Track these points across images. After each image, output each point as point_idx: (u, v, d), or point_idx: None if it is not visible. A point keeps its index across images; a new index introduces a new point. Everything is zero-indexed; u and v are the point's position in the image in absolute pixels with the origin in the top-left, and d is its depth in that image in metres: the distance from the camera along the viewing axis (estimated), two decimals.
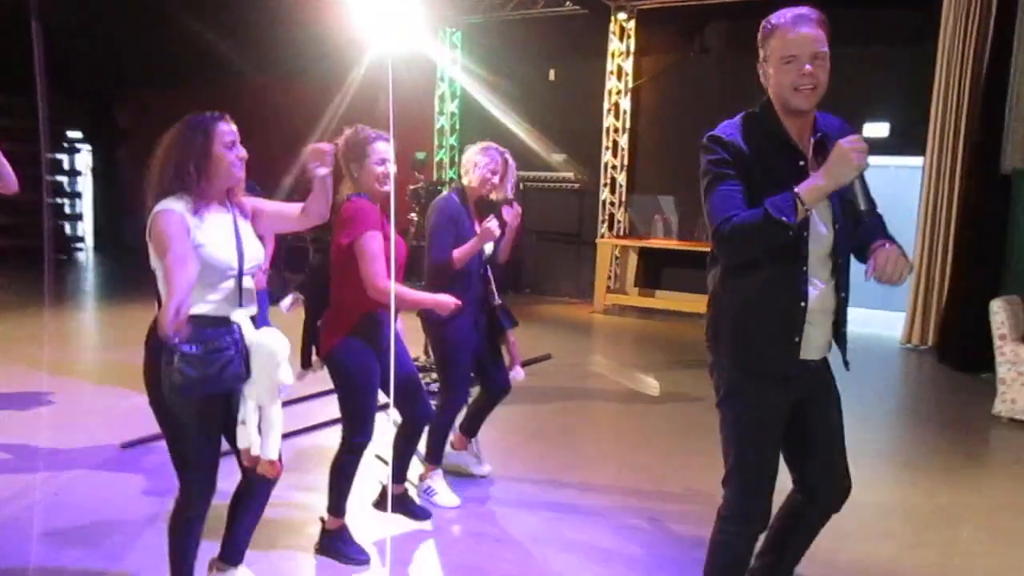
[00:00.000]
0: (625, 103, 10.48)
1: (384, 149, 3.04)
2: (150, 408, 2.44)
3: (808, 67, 2.17)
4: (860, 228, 2.27)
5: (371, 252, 2.94)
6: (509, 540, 3.41)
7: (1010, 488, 4.29)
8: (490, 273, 3.80)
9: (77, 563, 3.05)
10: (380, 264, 2.93)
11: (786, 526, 2.54)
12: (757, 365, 2.29)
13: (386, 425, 3.51)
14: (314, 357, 3.27)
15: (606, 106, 10.52)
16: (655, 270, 10.49)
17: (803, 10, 2.23)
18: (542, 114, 10.74)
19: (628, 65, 10.40)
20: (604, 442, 4.93)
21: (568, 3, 10.04)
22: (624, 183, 10.62)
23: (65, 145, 15.30)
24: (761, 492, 2.34)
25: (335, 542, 3.15)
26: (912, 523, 3.75)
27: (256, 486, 2.61)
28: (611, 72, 10.45)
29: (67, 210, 15.59)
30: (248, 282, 2.47)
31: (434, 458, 3.79)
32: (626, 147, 10.56)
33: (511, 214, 3.70)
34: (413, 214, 9.79)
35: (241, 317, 2.42)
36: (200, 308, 2.32)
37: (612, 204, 10.65)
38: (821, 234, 2.26)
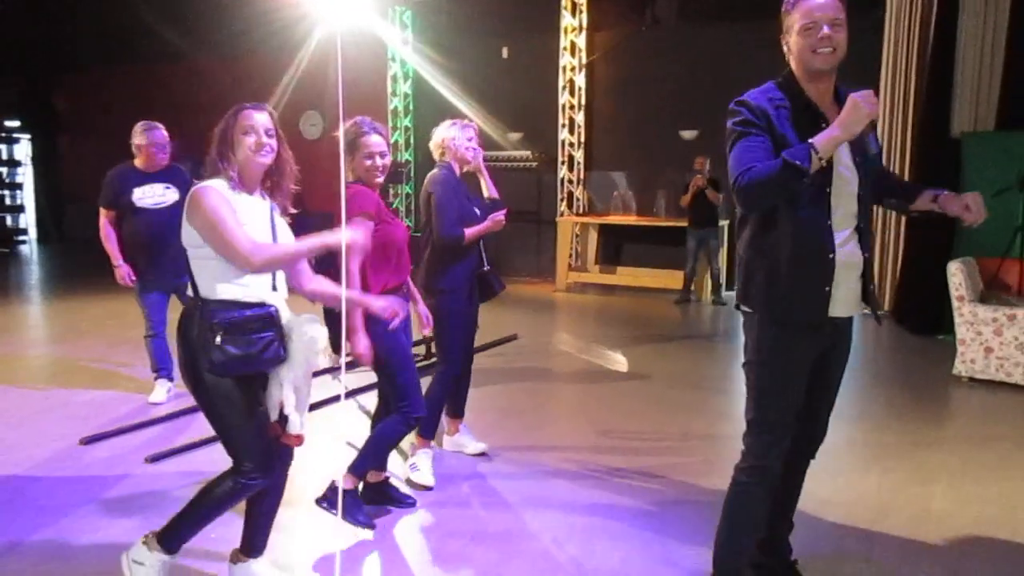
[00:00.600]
0: (580, 79, 10.42)
1: (376, 142, 3.15)
2: (195, 401, 2.52)
3: (826, 29, 2.31)
4: (881, 185, 2.54)
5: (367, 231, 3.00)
6: (494, 517, 3.37)
7: (978, 446, 4.37)
8: (481, 242, 3.87)
9: (42, 561, 2.91)
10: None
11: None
12: (790, 315, 2.40)
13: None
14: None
15: (561, 83, 10.44)
16: (615, 247, 10.51)
17: None
18: (497, 93, 10.64)
19: (581, 41, 10.34)
20: (577, 419, 4.90)
21: None
22: (582, 160, 10.58)
23: (2, 135, 14.73)
24: (778, 447, 2.47)
25: (346, 501, 3.17)
26: (886, 485, 3.79)
27: (275, 474, 2.64)
28: (564, 48, 10.37)
29: (7, 201, 15.06)
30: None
31: (426, 431, 3.80)
32: (582, 124, 10.51)
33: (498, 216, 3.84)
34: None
35: (277, 300, 2.53)
36: (235, 290, 2.44)
37: (570, 182, 10.61)
38: (847, 189, 2.38)
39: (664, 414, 4.92)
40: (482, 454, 4.10)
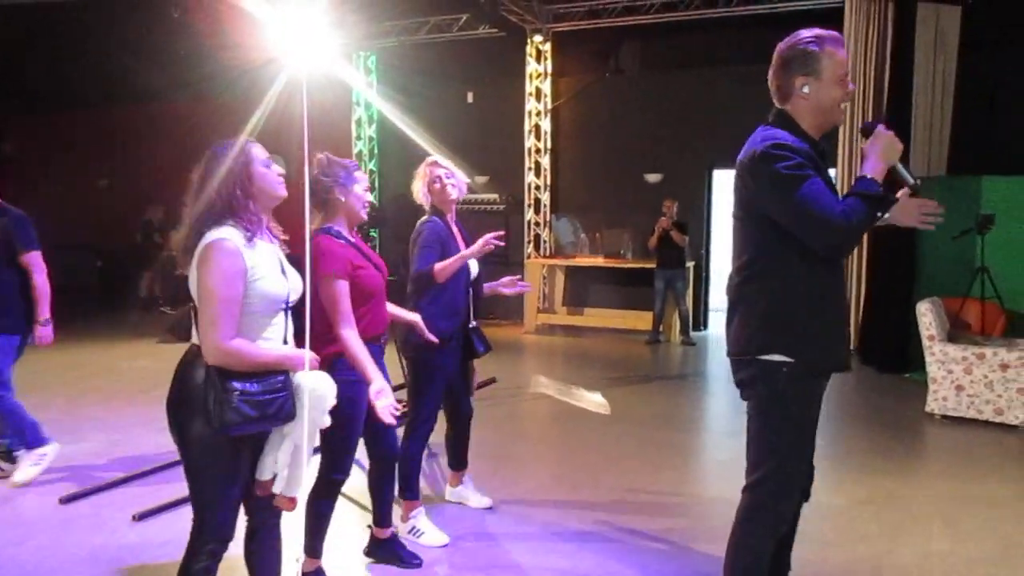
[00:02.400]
0: (545, 124, 10.58)
1: (365, 177, 3.09)
2: (179, 453, 2.34)
3: (852, 86, 2.36)
4: None
5: (331, 297, 2.85)
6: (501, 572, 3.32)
7: (965, 484, 4.49)
8: (470, 297, 3.72)
9: None
10: (339, 310, 2.85)
11: None
12: (827, 361, 2.40)
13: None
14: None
15: (527, 127, 10.59)
16: (582, 288, 10.60)
17: (836, 33, 2.39)
18: (462, 137, 10.68)
19: (546, 86, 10.52)
20: (570, 464, 4.88)
21: (484, 26, 10.07)
22: (548, 203, 10.70)
23: None
24: (793, 494, 2.46)
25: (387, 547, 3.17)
26: (884, 525, 3.85)
27: (263, 529, 2.51)
28: (530, 93, 10.54)
29: None
30: (288, 317, 2.44)
31: (411, 492, 3.64)
32: (548, 167, 10.65)
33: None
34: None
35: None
36: (256, 342, 2.30)
37: (537, 224, 10.71)
38: None
39: (658, 458, 4.93)
40: (488, 508, 4.01)
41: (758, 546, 2.47)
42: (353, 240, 3.03)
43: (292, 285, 2.41)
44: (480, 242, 3.46)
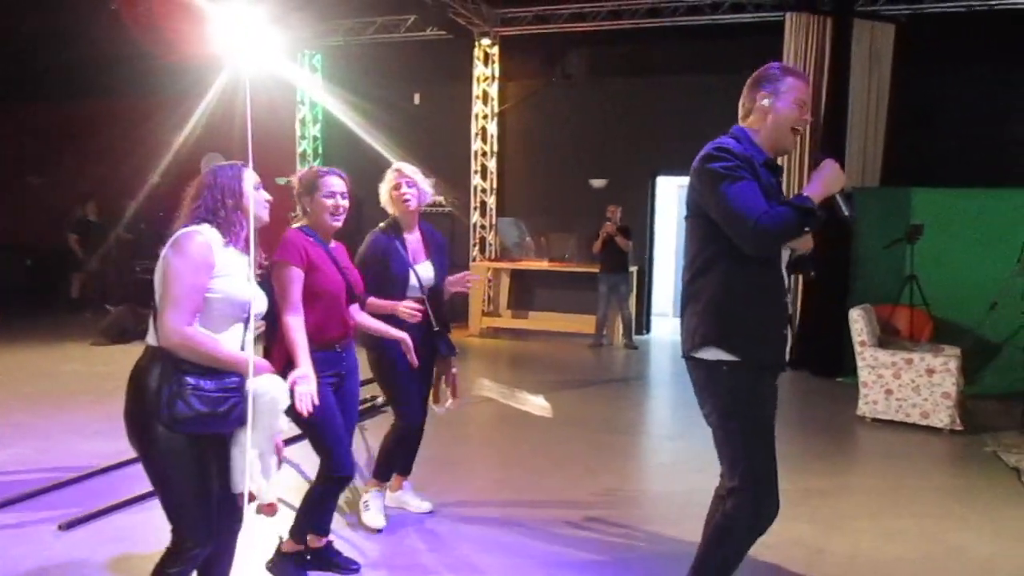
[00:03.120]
0: (492, 127, 10.60)
1: (337, 183, 3.13)
2: (141, 464, 2.33)
3: (808, 116, 2.50)
4: None
5: (281, 282, 2.95)
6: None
7: (892, 485, 4.64)
8: (426, 301, 3.69)
9: None
10: (287, 295, 2.93)
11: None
12: (768, 358, 2.49)
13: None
14: None
15: (473, 130, 10.59)
16: (527, 292, 10.64)
17: (802, 72, 2.63)
18: (409, 138, 10.62)
19: (493, 90, 10.54)
20: (512, 468, 4.89)
21: (431, 28, 10.05)
22: (494, 206, 10.72)
23: None
24: (773, 490, 2.54)
25: (288, 565, 3.16)
26: (816, 526, 3.96)
27: (223, 540, 2.51)
28: (477, 97, 10.55)
29: None
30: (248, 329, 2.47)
31: (381, 474, 3.83)
32: (495, 171, 10.67)
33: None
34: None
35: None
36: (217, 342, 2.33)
37: (483, 227, 10.72)
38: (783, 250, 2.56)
39: (599, 459, 4.98)
40: (428, 512, 4.01)
41: (739, 544, 2.59)
42: (325, 244, 3.11)
43: (258, 301, 2.47)
44: (400, 307, 3.47)
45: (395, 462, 3.89)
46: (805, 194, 2.38)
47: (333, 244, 3.21)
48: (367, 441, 5.27)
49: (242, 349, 2.42)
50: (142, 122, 11.16)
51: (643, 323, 10.29)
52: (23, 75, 12.02)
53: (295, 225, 3.13)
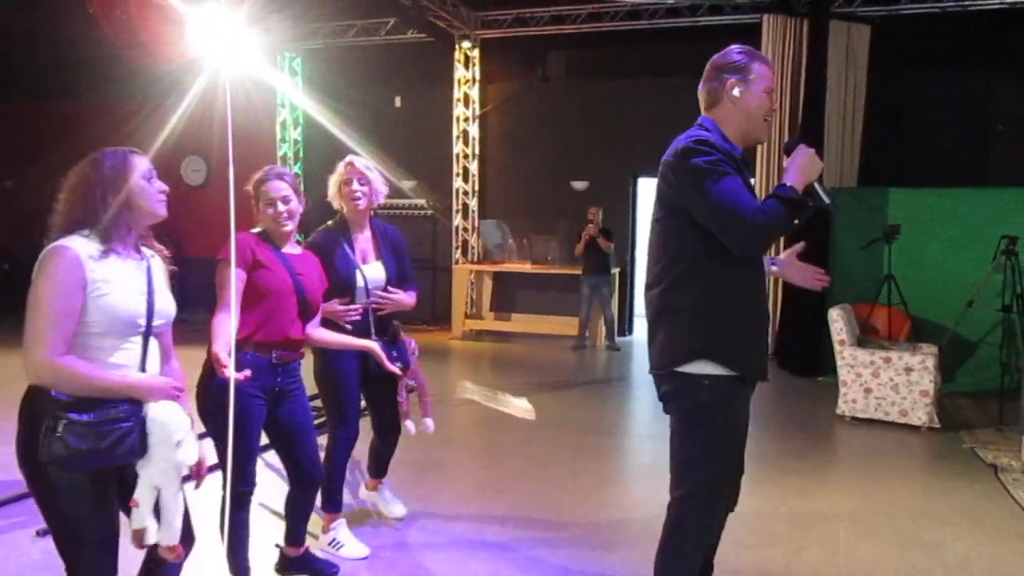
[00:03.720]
0: (473, 130, 10.60)
1: (276, 187, 2.95)
2: (33, 496, 2.08)
3: (776, 105, 2.40)
4: None
5: (219, 280, 2.80)
6: None
7: (871, 482, 4.68)
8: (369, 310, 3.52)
9: None
10: (220, 294, 2.77)
11: None
12: (750, 366, 2.38)
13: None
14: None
15: (455, 132, 10.59)
16: (510, 294, 10.64)
17: (762, 54, 2.52)
18: (390, 141, 10.61)
19: (474, 92, 10.54)
20: (493, 470, 4.90)
21: (412, 31, 10.03)
22: (476, 209, 10.71)
23: None
24: (720, 505, 2.45)
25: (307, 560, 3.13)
26: (794, 525, 3.99)
27: (162, 568, 2.28)
28: (458, 99, 10.55)
29: None
30: (153, 343, 2.19)
31: (333, 504, 3.56)
32: (476, 173, 10.67)
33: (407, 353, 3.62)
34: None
35: None
36: (100, 367, 2.05)
37: (465, 230, 10.72)
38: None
39: (581, 461, 4.99)
40: (399, 519, 3.92)
41: (687, 556, 2.45)
42: (277, 248, 2.95)
43: (160, 307, 2.17)
44: (328, 308, 3.27)
45: (340, 486, 3.59)
46: (786, 183, 2.25)
47: (299, 251, 3.08)
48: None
49: (143, 369, 2.15)
50: (120, 125, 11.02)
51: (625, 325, 10.33)
52: None
53: (255, 229, 3.00)
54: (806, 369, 7.73)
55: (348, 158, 3.54)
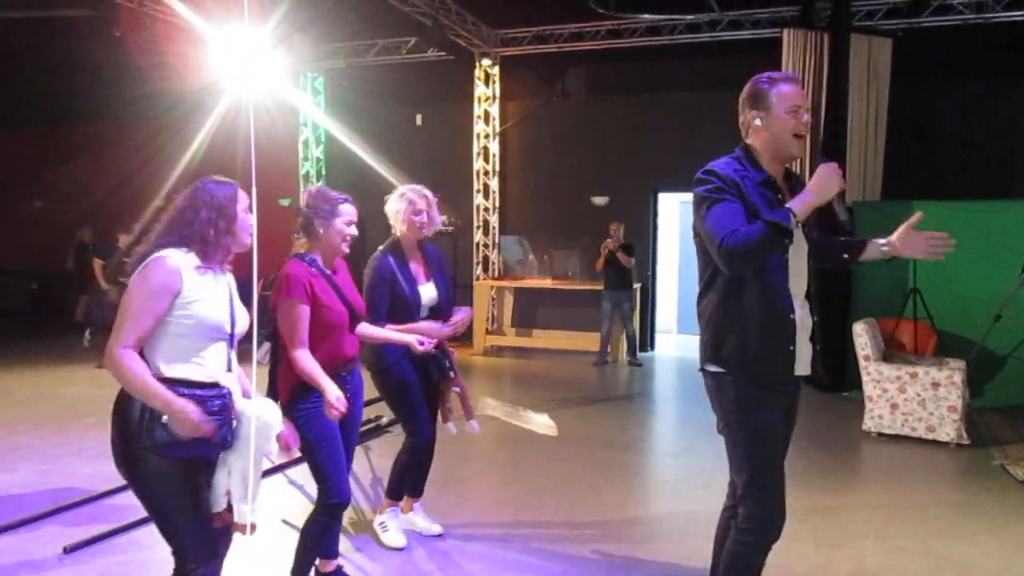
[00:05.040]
0: (493, 146, 10.66)
1: (352, 211, 3.09)
2: (132, 491, 2.31)
3: (806, 117, 2.47)
4: (827, 248, 2.75)
5: (289, 320, 2.92)
6: None
7: (898, 500, 4.61)
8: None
9: None
10: (295, 333, 2.91)
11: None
12: (763, 375, 2.49)
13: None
14: None
15: (475, 149, 10.65)
16: (531, 310, 10.65)
17: (789, 73, 2.58)
18: (411, 158, 10.71)
19: (495, 109, 10.61)
20: (516, 486, 4.88)
21: (432, 50, 10.13)
22: (497, 225, 10.75)
23: None
24: (777, 502, 2.54)
25: None
26: (821, 543, 3.94)
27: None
28: (478, 116, 10.62)
29: None
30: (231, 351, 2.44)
31: (393, 493, 3.87)
32: (497, 189, 10.72)
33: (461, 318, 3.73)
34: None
35: (231, 382, 2.40)
36: (190, 369, 2.29)
37: (486, 246, 10.75)
38: (798, 262, 2.54)
39: (603, 478, 4.96)
40: (438, 535, 3.97)
41: (747, 554, 2.58)
42: (327, 272, 3.04)
43: (240, 319, 2.43)
44: (414, 341, 3.39)
45: (407, 481, 3.90)
46: (790, 205, 2.37)
47: (335, 262, 3.17)
48: (371, 462, 5.27)
49: (228, 370, 2.39)
50: (145, 145, 11.26)
51: (647, 340, 10.28)
52: (25, 100, 12.14)
53: (295, 251, 3.09)
54: (831, 384, 7.65)
55: (416, 187, 3.76)
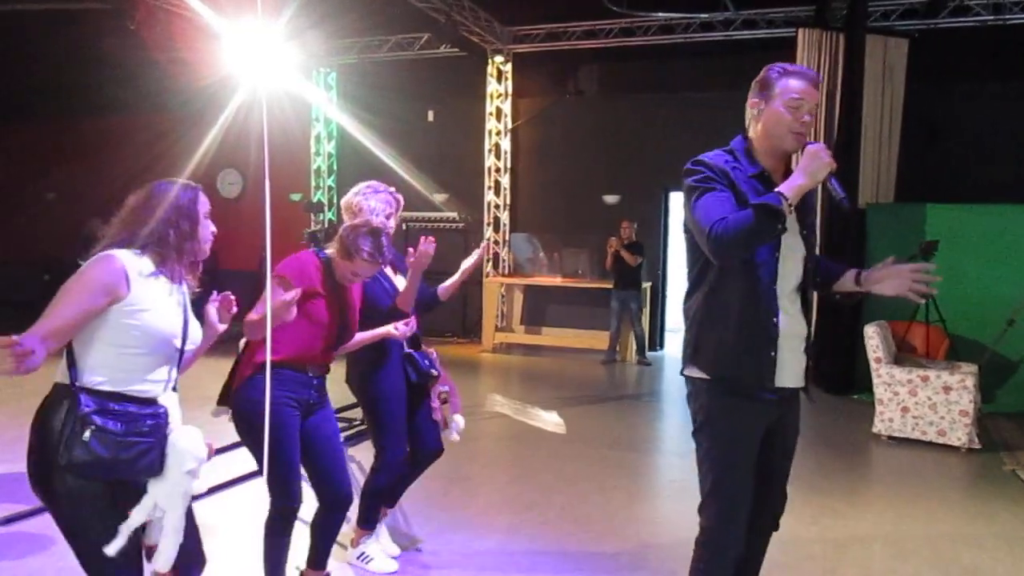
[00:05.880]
0: (505, 143, 10.65)
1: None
2: (49, 511, 2.07)
3: (807, 117, 2.34)
4: (821, 268, 2.55)
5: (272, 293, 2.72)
6: None
7: (908, 503, 4.59)
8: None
9: None
10: (256, 308, 2.69)
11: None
12: (737, 381, 2.37)
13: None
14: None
15: (487, 146, 10.64)
16: (540, 307, 10.64)
17: (807, 69, 2.42)
18: (423, 154, 10.72)
19: (507, 106, 10.60)
20: (522, 484, 4.87)
21: (445, 46, 10.13)
22: (507, 222, 10.74)
23: None
24: (737, 518, 2.41)
25: None
26: (828, 546, 3.92)
27: None
28: (490, 113, 10.61)
29: None
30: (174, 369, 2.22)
31: (367, 521, 3.52)
32: (508, 186, 10.71)
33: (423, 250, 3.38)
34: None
35: (171, 402, 2.19)
36: (130, 383, 2.09)
37: (496, 243, 10.74)
38: (791, 264, 2.41)
39: (610, 476, 4.95)
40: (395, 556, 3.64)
41: (708, 568, 2.45)
42: (336, 277, 2.94)
43: (192, 334, 2.23)
44: (390, 329, 3.27)
45: (379, 505, 3.53)
46: (780, 189, 2.23)
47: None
48: (356, 473, 5.19)
49: (174, 390, 2.22)
50: (158, 138, 11.29)
51: (656, 339, 10.26)
52: (38, 92, 12.20)
53: (328, 250, 2.96)
54: (840, 387, 7.61)
55: (390, 188, 3.50)
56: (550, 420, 6.42)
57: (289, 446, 2.84)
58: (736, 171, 2.35)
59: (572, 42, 10.00)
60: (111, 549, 2.02)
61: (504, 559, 3.69)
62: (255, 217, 10.33)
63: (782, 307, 2.37)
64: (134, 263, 2.10)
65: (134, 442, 2.04)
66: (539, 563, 3.65)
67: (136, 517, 2.07)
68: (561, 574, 3.54)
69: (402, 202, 3.56)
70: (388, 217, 3.42)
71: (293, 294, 2.54)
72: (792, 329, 2.39)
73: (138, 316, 2.08)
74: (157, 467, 2.08)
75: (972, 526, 4.25)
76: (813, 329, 2.53)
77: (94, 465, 1.99)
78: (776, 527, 2.66)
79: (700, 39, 9.33)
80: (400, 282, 3.50)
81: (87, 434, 1.98)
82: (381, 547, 3.59)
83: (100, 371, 2.06)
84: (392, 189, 3.52)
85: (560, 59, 10.37)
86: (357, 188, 3.46)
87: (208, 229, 2.28)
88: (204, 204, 2.27)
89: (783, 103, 2.34)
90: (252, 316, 2.65)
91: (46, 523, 2.15)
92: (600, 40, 9.80)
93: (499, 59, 10.50)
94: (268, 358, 2.47)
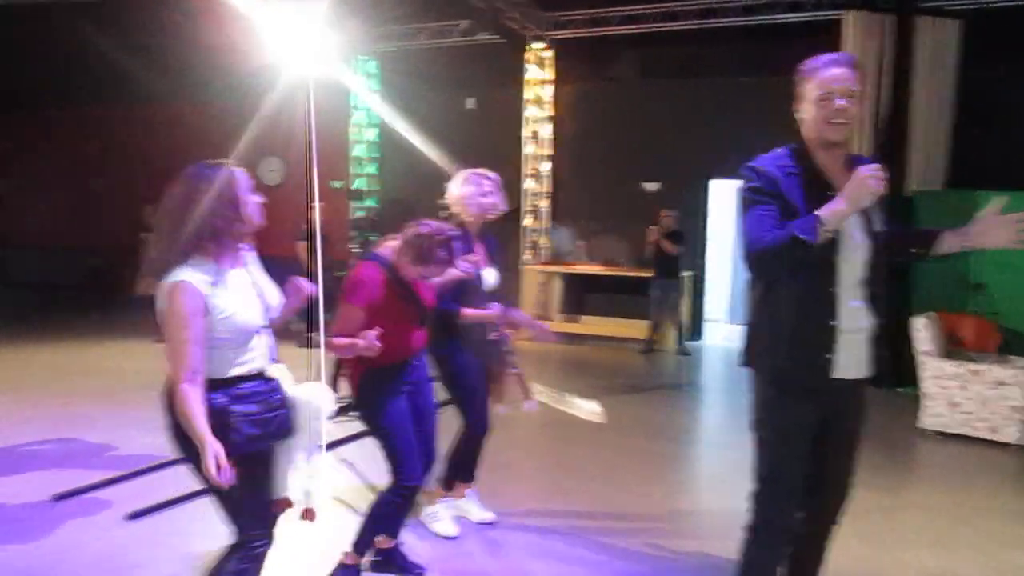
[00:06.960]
0: (545, 131, 10.58)
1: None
2: (195, 474, 2.30)
3: (840, 102, 2.34)
4: (894, 242, 2.56)
5: (340, 317, 2.99)
6: None
7: (958, 504, 4.48)
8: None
9: None
10: (340, 327, 2.96)
11: (796, 550, 2.67)
12: (787, 380, 2.44)
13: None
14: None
15: (526, 134, 10.58)
16: (579, 296, 10.58)
17: (835, 55, 2.42)
18: (462, 142, 10.66)
19: (546, 93, 10.52)
20: (560, 473, 4.88)
21: (484, 33, 10.07)
22: (547, 210, 10.70)
23: None
24: (786, 507, 2.50)
25: None
26: (873, 545, 3.84)
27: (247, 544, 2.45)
28: (529, 100, 10.54)
29: None
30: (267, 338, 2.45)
31: (447, 481, 3.86)
32: (547, 174, 10.65)
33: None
34: (354, 246, 9.60)
35: (278, 372, 2.44)
36: (238, 368, 2.31)
37: (535, 231, 10.71)
38: (855, 257, 2.39)
39: (650, 467, 4.92)
40: (490, 523, 3.96)
41: (754, 557, 2.53)
42: (396, 271, 3.08)
43: (269, 302, 2.42)
44: (488, 311, 3.59)
45: (460, 468, 3.90)
46: (820, 212, 2.25)
47: None
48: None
49: (274, 359, 2.44)
50: (202, 126, 11.46)
51: (696, 329, 10.15)
52: (84, 81, 12.44)
53: (383, 250, 3.12)
54: (886, 380, 7.43)
55: (480, 171, 3.73)
56: (589, 409, 6.37)
57: (406, 431, 3.10)
58: (791, 176, 2.38)
59: (612, 28, 9.87)
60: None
61: (545, 549, 3.69)
62: (297, 204, 10.46)
63: (841, 305, 2.37)
64: (199, 279, 2.22)
65: (273, 416, 2.35)
66: (578, 555, 3.64)
67: (296, 468, 2.43)
68: (600, 564, 3.52)
69: (492, 176, 3.74)
70: (484, 196, 3.65)
71: (374, 348, 2.82)
72: (854, 324, 2.40)
73: (227, 321, 2.26)
74: (292, 429, 2.41)
75: (1022, 527, 4.13)
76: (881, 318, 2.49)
77: (249, 443, 2.29)
78: (835, 521, 2.69)
79: (743, 23, 9.14)
80: (490, 275, 3.75)
81: (234, 421, 2.25)
82: (460, 512, 3.91)
83: (215, 368, 2.27)
84: (480, 171, 3.73)
85: (600, 45, 10.24)
86: (455, 178, 3.73)
87: (253, 203, 2.34)
88: (243, 181, 2.32)
89: (812, 101, 2.39)
90: (338, 342, 2.91)
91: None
92: (641, 25, 9.66)
93: (539, 46, 10.42)
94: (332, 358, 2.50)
